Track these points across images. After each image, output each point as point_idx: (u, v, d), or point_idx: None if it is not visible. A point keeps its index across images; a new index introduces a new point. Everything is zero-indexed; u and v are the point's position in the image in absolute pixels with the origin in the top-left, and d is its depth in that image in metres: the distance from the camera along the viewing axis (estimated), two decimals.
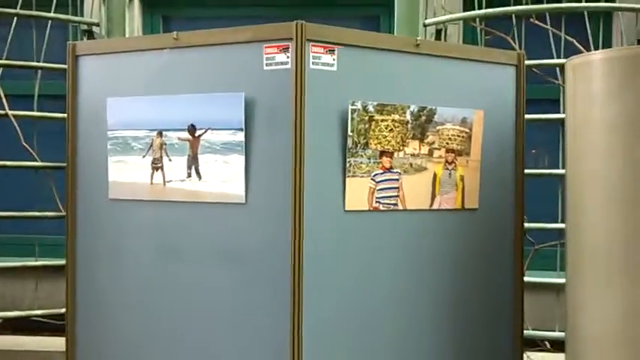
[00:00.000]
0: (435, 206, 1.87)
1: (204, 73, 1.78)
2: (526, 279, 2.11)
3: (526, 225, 2.14)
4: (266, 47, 1.69)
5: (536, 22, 2.58)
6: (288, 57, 1.66)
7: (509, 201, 2.00)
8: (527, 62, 2.08)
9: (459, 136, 1.88)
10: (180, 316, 1.82)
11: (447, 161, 1.88)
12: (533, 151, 2.87)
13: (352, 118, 1.72)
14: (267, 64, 1.70)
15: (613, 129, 1.50)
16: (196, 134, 1.78)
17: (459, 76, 1.89)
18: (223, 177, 1.75)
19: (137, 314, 1.89)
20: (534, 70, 2.52)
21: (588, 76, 1.56)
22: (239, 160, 1.72)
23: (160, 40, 1.85)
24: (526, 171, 2.06)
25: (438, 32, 2.77)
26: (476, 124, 1.90)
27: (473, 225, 1.93)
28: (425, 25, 2.75)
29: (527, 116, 2.05)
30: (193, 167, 1.79)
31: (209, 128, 1.76)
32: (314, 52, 1.68)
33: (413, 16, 2.80)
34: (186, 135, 1.79)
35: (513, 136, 2.00)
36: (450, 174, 1.88)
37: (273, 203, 1.70)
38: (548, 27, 2.57)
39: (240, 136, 1.71)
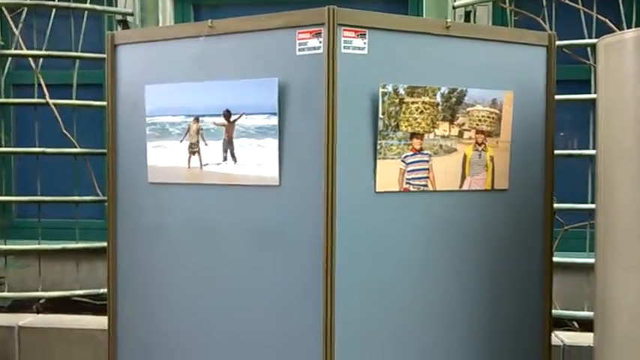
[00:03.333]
0: (465, 187, 1.89)
1: (238, 59, 1.81)
2: (555, 259, 2.11)
3: (555, 205, 2.14)
4: (299, 33, 1.72)
5: (567, 1, 2.55)
6: (320, 42, 1.69)
7: (539, 181, 2.00)
8: (557, 43, 2.07)
9: (489, 117, 1.90)
10: (217, 295, 1.88)
11: (477, 142, 1.89)
12: (562, 134, 2.85)
13: (383, 101, 1.74)
14: (299, 50, 1.73)
15: None
16: (231, 119, 1.83)
17: (489, 58, 1.89)
18: (258, 160, 1.80)
19: (174, 293, 1.96)
20: (565, 50, 2.50)
21: (620, 55, 1.54)
22: (273, 143, 1.76)
23: (196, 28, 1.88)
24: (556, 152, 2.06)
25: (467, 14, 2.76)
26: (506, 105, 1.91)
27: (503, 205, 1.94)
28: (454, 8, 2.74)
29: (557, 97, 2.04)
30: (229, 151, 1.84)
31: (244, 113, 1.81)
32: (345, 37, 1.70)
33: None
34: (221, 120, 1.85)
35: (543, 117, 1.99)
36: (480, 155, 1.90)
37: (306, 185, 1.73)
38: (580, 6, 2.53)
39: (274, 120, 1.76)
